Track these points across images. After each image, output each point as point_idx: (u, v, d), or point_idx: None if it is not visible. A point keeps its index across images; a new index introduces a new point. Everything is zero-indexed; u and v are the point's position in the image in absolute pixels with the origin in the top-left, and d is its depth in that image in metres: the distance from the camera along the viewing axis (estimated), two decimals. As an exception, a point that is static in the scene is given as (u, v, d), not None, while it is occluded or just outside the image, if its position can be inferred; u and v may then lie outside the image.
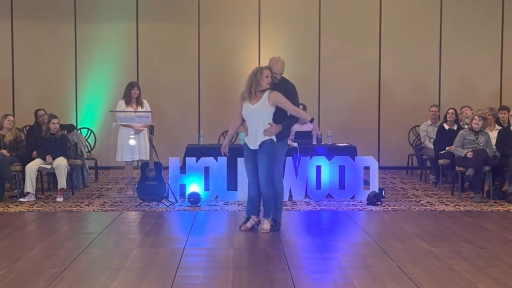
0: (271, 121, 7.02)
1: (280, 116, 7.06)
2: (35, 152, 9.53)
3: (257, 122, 7.01)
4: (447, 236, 6.94)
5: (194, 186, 8.99)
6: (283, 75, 7.27)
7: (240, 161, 9.03)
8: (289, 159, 9.14)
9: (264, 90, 7.04)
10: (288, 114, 7.12)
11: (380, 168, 10.18)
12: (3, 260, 5.92)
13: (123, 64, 12.81)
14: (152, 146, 9.02)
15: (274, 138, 7.04)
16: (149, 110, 9.56)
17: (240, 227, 7.26)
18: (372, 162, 9.41)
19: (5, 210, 8.45)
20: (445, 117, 10.72)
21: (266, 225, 7.13)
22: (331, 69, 12.95)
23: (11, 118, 9.59)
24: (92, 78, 12.78)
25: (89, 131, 12.02)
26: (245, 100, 7.08)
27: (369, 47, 12.99)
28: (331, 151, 9.52)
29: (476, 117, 9.47)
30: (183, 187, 9.11)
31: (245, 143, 7.20)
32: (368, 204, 8.88)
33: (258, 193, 7.16)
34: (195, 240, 6.82)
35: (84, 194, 9.77)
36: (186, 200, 8.88)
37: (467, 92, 12.91)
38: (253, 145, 7.05)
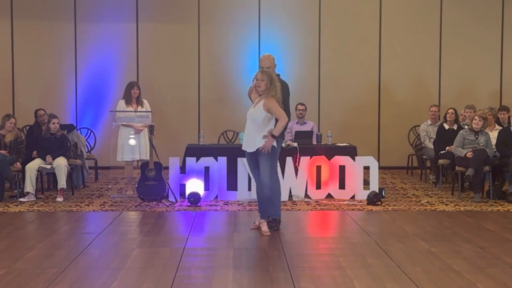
0: (265, 126, 6.98)
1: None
2: (35, 152, 9.53)
3: (253, 126, 7.04)
4: (447, 236, 6.94)
5: (194, 186, 8.99)
6: (282, 76, 7.36)
7: (240, 161, 9.04)
8: (289, 159, 9.15)
9: (264, 95, 7.01)
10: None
11: (380, 168, 10.18)
12: (3, 260, 5.92)
13: (123, 64, 12.81)
14: (152, 146, 9.02)
15: (274, 143, 7.05)
16: (149, 110, 9.57)
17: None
18: (372, 162, 9.41)
19: (5, 210, 8.45)
20: (445, 117, 10.73)
21: (265, 227, 7.11)
22: (331, 69, 12.95)
23: (13, 120, 9.55)
24: (92, 78, 12.78)
25: (89, 131, 12.02)
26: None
27: (369, 47, 12.99)
28: (331, 151, 9.52)
29: (476, 117, 9.47)
30: (183, 187, 9.11)
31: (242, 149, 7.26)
32: (368, 204, 8.88)
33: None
34: (195, 240, 6.82)
35: (84, 194, 9.78)
36: (186, 200, 8.88)
37: (467, 92, 12.91)
38: (251, 147, 7.06)
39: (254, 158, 7.10)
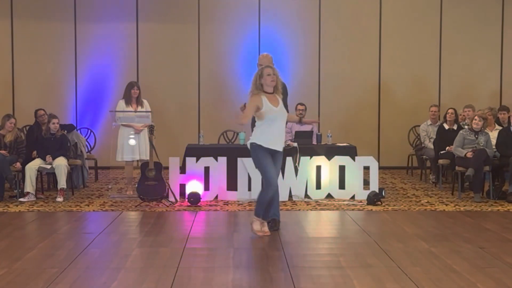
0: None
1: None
2: (35, 152, 9.53)
3: (282, 124, 6.98)
4: (447, 236, 6.94)
5: (194, 186, 9.00)
6: (281, 75, 7.41)
7: (240, 161, 9.03)
8: (289, 159, 9.14)
9: (274, 93, 6.91)
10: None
11: (380, 168, 10.18)
12: (3, 260, 5.92)
13: (123, 64, 12.81)
14: (152, 146, 9.02)
15: None
16: (149, 110, 9.57)
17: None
18: (372, 162, 9.41)
19: (5, 210, 8.45)
20: (445, 117, 10.73)
21: (266, 227, 6.99)
22: (331, 69, 12.95)
23: (13, 120, 9.55)
24: (92, 78, 12.78)
25: (89, 131, 12.03)
26: (264, 99, 6.80)
27: (369, 47, 12.99)
28: (331, 151, 9.52)
29: (476, 117, 9.47)
30: (183, 187, 9.10)
31: (264, 147, 6.84)
32: (368, 204, 8.88)
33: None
34: (195, 240, 6.82)
35: (84, 194, 9.78)
36: (186, 200, 8.88)
37: (467, 92, 12.92)
38: (279, 147, 6.96)
39: (271, 157, 6.97)
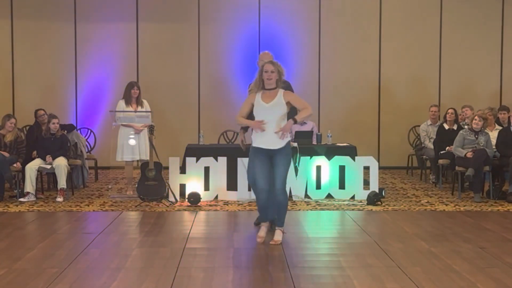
0: (284, 121, 6.55)
1: (291, 114, 6.70)
2: (35, 152, 9.53)
3: (273, 122, 6.51)
4: (447, 236, 6.94)
5: (194, 186, 9.00)
6: None
7: (240, 161, 9.03)
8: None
9: (276, 89, 6.61)
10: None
11: (380, 168, 10.17)
12: (3, 260, 5.92)
13: (123, 64, 12.81)
14: (152, 146, 9.02)
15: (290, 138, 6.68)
16: (149, 110, 9.57)
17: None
18: (372, 162, 9.41)
19: (5, 210, 8.45)
20: (445, 117, 10.73)
21: (279, 236, 6.68)
22: (331, 69, 12.95)
23: (13, 120, 9.54)
24: (92, 78, 12.78)
25: (89, 131, 12.03)
26: (257, 96, 6.60)
27: (369, 47, 12.99)
28: (331, 151, 9.52)
29: (476, 117, 9.47)
30: (183, 187, 9.10)
31: (255, 146, 6.60)
32: (368, 204, 8.87)
33: (269, 201, 6.64)
34: (195, 240, 6.82)
35: (84, 194, 9.78)
36: (186, 200, 8.88)
37: (467, 92, 12.92)
38: (271, 145, 6.51)
39: (269, 158, 6.57)
